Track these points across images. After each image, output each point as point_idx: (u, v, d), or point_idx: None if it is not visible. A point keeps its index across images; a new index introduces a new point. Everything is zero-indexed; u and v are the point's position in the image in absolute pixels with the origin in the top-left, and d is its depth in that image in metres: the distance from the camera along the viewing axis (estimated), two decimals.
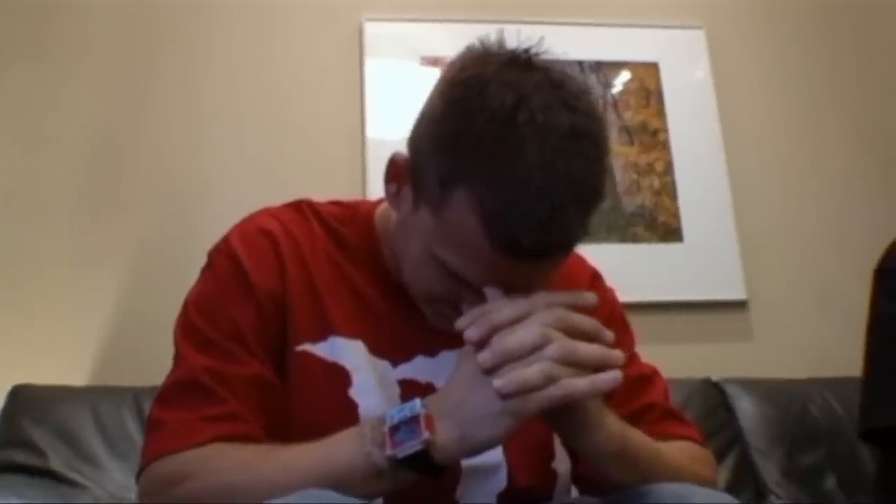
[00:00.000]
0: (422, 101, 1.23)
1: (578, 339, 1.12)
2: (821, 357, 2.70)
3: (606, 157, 1.16)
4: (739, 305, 2.80)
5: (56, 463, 2.13)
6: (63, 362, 2.40)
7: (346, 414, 1.24)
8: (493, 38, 1.21)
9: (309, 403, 1.25)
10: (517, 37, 1.33)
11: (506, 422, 1.10)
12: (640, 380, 1.39)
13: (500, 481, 1.30)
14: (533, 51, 1.17)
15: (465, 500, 1.29)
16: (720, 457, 2.37)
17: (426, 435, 1.08)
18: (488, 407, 1.09)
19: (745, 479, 2.39)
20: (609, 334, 1.15)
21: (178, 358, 1.28)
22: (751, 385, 2.55)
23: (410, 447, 1.08)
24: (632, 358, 1.41)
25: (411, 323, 1.29)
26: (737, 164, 2.94)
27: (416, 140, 1.19)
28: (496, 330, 1.11)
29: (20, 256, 2.50)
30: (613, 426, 1.20)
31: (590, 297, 1.18)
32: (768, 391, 2.55)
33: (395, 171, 1.23)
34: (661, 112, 2.91)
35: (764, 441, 2.45)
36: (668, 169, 2.87)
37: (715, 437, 2.40)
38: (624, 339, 1.40)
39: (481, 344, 1.11)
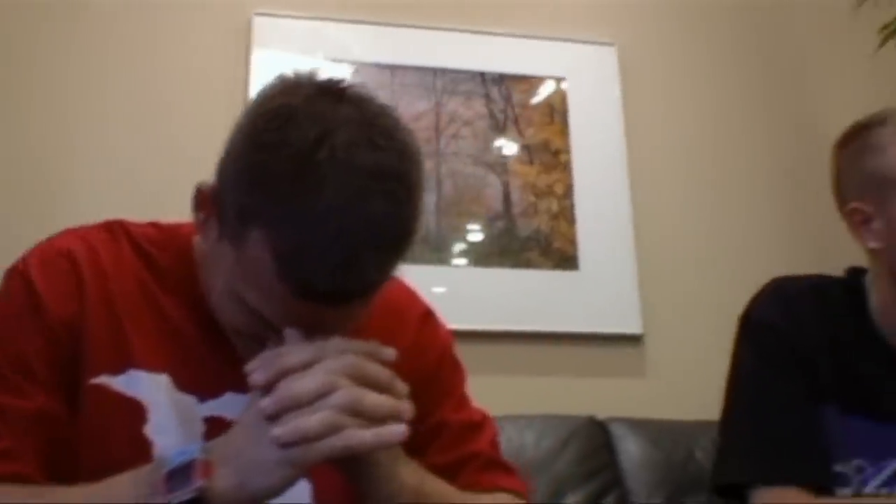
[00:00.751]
0: None
1: (370, 388, 1.12)
2: (715, 399, 2.66)
3: (416, 199, 1.15)
4: (634, 340, 2.79)
5: None
6: None
7: (140, 453, 1.21)
8: (307, 69, 1.19)
9: (100, 441, 1.22)
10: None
11: (284, 471, 1.10)
12: (468, 426, 1.41)
13: None
14: (347, 83, 1.16)
15: None
16: (597, 499, 2.38)
17: (199, 483, 1.08)
18: (268, 454, 1.09)
19: None
20: (402, 386, 1.15)
21: None
22: (637, 425, 2.54)
23: (183, 495, 1.08)
24: (460, 402, 1.44)
25: (223, 356, 1.27)
26: (641, 191, 2.92)
27: (220, 171, 1.17)
28: (284, 375, 1.11)
29: None
30: (408, 478, 1.22)
31: (388, 353, 1.17)
32: (655, 432, 2.54)
33: (201, 199, 1.21)
34: (564, 131, 2.90)
35: (645, 485, 2.43)
36: (568, 192, 2.86)
37: (594, 478, 2.40)
38: (454, 381, 1.45)
39: (268, 388, 1.11)
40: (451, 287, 2.69)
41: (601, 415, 2.54)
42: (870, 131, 1.71)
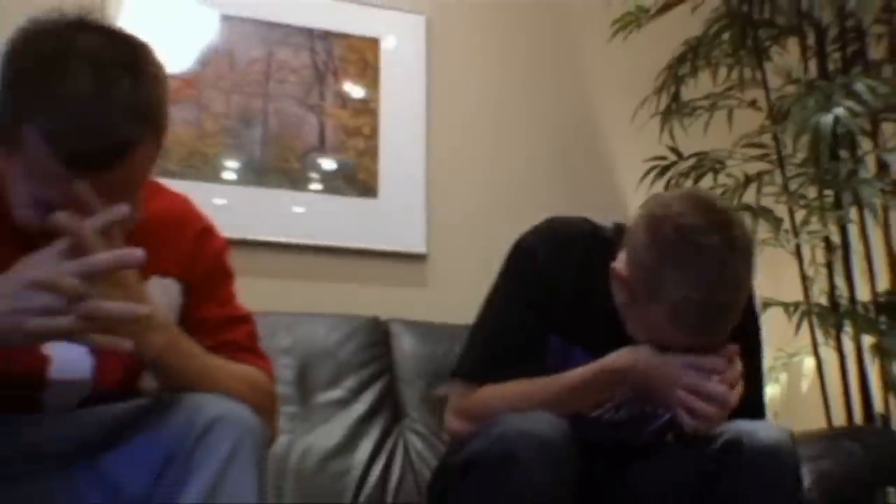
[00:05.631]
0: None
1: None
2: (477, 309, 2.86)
3: (149, 84, 1.29)
4: (419, 258, 3.04)
5: None
6: None
7: None
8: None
9: None
10: None
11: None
12: (229, 320, 1.56)
13: (86, 391, 1.45)
14: (92, 16, 1.32)
15: (50, 405, 1.43)
16: (369, 383, 2.64)
17: None
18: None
19: (387, 403, 2.64)
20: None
21: None
22: (412, 325, 2.78)
23: None
24: (224, 301, 1.58)
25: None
26: (435, 138, 3.14)
27: None
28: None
29: None
30: (157, 340, 1.34)
31: (123, 210, 1.26)
32: (426, 332, 2.78)
33: None
34: (375, 83, 3.07)
35: (411, 372, 2.71)
36: (374, 134, 3.04)
37: (369, 365, 2.67)
38: (221, 284, 1.59)
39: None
40: (271, 206, 2.90)
41: (383, 316, 2.77)
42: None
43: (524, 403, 1.65)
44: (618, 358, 1.68)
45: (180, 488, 1.27)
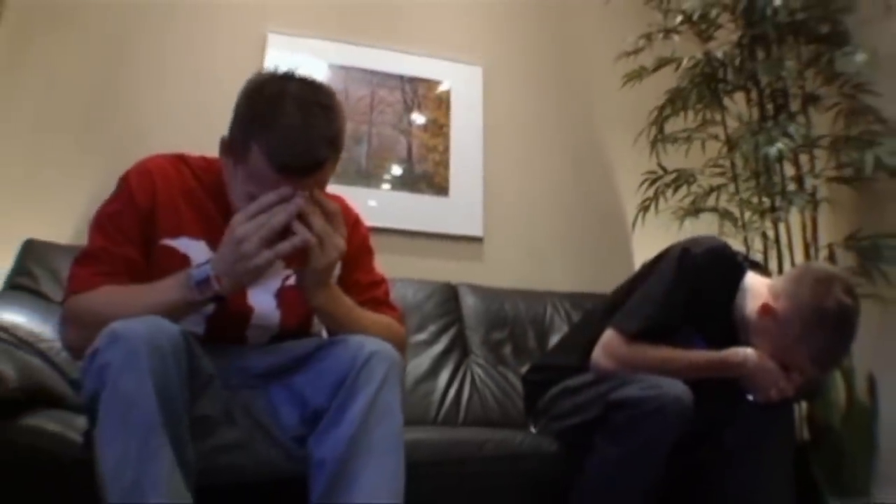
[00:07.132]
0: None
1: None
2: (520, 277, 3.04)
3: (340, 120, 1.37)
4: (478, 240, 3.09)
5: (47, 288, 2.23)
6: (68, 224, 2.48)
7: None
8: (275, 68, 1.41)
9: (164, 275, 1.40)
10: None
11: (256, 271, 1.30)
12: (372, 282, 1.63)
13: (275, 331, 1.54)
14: (298, 72, 1.41)
15: (251, 340, 1.52)
16: (445, 329, 2.72)
17: (217, 287, 1.33)
18: (244, 264, 1.30)
19: (458, 343, 2.73)
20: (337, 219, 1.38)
21: (89, 238, 1.45)
22: (473, 288, 2.90)
23: (210, 293, 1.33)
24: (369, 269, 1.64)
25: None
26: (490, 153, 3.16)
27: (231, 126, 1.39)
28: (260, 207, 1.30)
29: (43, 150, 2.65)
30: (323, 294, 1.41)
31: (333, 206, 1.37)
32: (483, 293, 2.88)
33: (223, 145, 1.42)
34: (447, 114, 3.13)
35: (474, 322, 2.79)
36: (447, 150, 3.08)
37: (445, 316, 2.76)
38: (367, 258, 1.66)
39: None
40: (377, 201, 2.96)
41: (454, 281, 2.89)
42: None
43: (664, 365, 1.74)
44: (734, 355, 1.77)
45: (349, 402, 1.31)
